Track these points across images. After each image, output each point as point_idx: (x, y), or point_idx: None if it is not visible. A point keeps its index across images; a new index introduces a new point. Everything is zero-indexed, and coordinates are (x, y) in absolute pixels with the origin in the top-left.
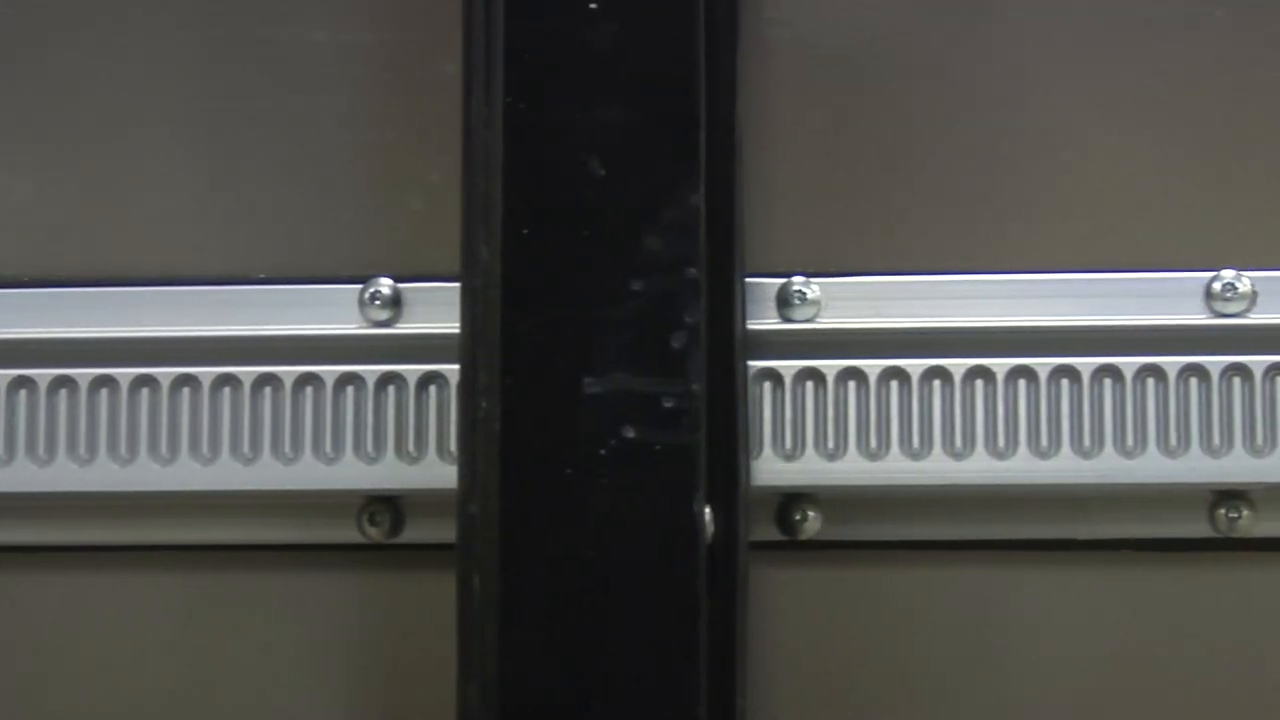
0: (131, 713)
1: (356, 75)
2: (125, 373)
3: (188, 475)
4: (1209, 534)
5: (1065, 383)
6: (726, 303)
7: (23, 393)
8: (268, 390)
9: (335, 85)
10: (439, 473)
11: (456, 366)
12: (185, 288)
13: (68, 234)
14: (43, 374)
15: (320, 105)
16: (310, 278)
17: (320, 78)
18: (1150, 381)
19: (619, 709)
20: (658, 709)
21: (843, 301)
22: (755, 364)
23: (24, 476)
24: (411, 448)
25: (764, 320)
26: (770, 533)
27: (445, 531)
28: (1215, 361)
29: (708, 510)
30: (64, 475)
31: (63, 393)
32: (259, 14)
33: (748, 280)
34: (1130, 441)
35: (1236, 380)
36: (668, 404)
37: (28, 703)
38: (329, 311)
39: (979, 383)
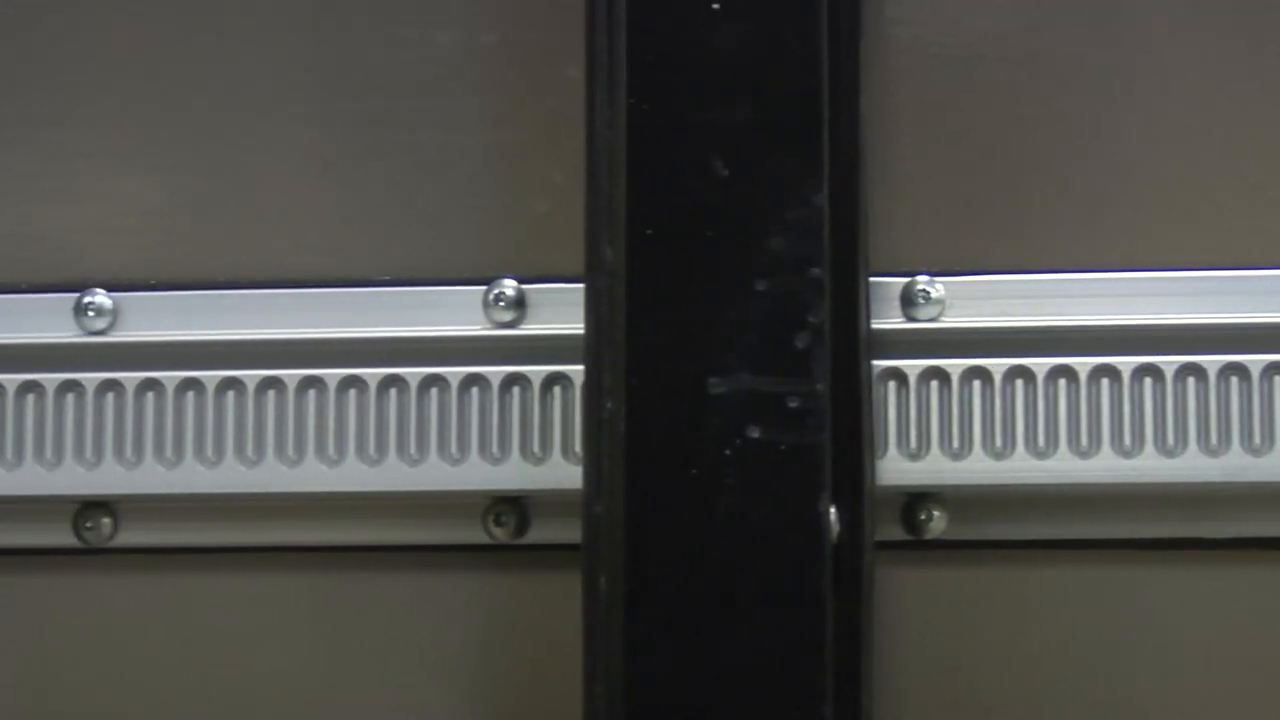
0: (263, 711)
1: (480, 77)
2: (252, 375)
3: (314, 477)
4: None
5: (1191, 381)
6: (850, 302)
7: (150, 395)
8: (393, 392)
9: (459, 87)
10: (564, 473)
11: (581, 367)
12: (311, 290)
13: (196, 237)
14: (170, 376)
15: (445, 107)
16: (435, 279)
17: (445, 79)
18: (1278, 379)
19: (745, 709)
20: (783, 709)
21: (967, 300)
22: (879, 363)
23: (151, 478)
24: (536, 448)
25: (888, 319)
26: (895, 532)
27: (570, 532)
28: None
29: (833, 510)
30: (192, 477)
31: (190, 395)
32: (385, 16)
33: (872, 279)
34: (1257, 439)
35: None
36: (792, 404)
37: (167, 700)
38: (454, 313)
39: (1104, 381)
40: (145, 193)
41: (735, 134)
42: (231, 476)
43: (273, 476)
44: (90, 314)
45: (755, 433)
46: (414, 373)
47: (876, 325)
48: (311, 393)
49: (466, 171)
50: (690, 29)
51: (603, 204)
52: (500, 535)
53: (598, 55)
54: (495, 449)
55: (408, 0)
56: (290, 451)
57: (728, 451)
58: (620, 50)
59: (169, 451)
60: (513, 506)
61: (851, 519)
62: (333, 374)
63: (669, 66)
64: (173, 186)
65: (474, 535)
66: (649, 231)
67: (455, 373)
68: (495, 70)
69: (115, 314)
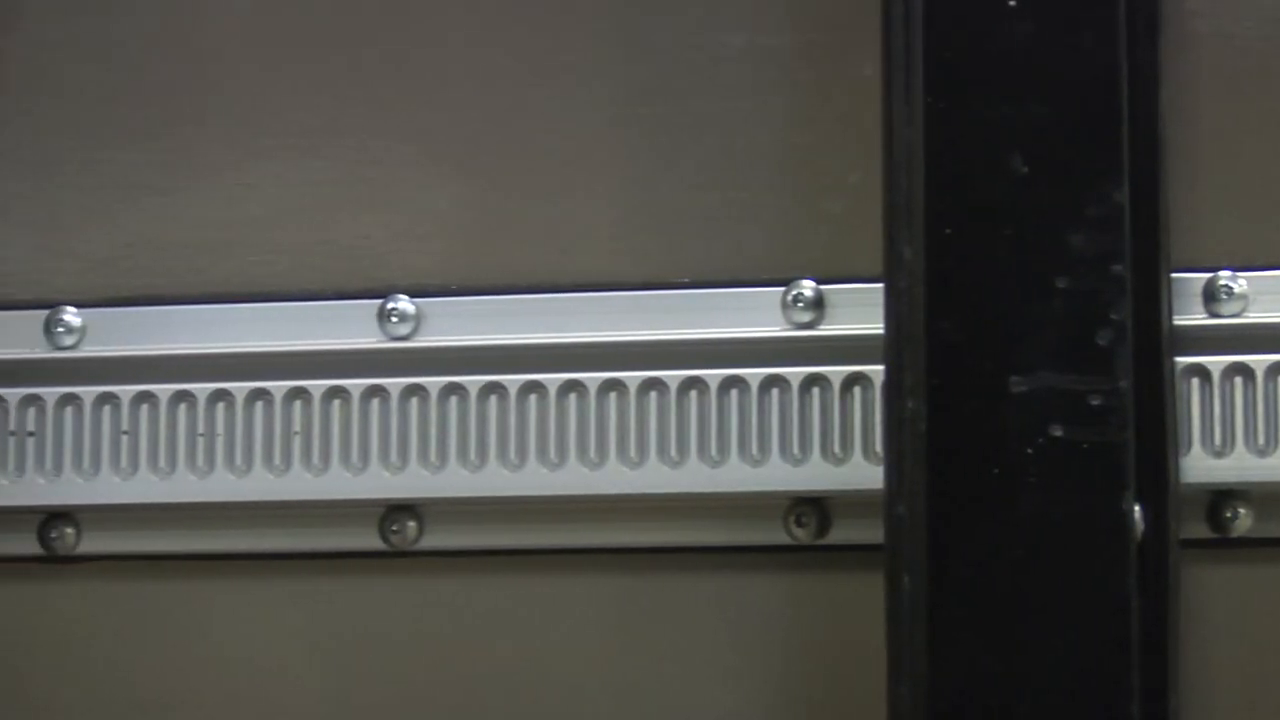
0: (569, 711)
1: (775, 78)
2: (553, 379)
3: (616, 479)
4: None
5: None
6: (1152, 298)
7: (454, 400)
8: (693, 394)
9: (754, 89)
10: (865, 474)
11: (880, 367)
12: (610, 294)
13: (497, 243)
14: (473, 380)
15: (739, 109)
16: (732, 281)
17: (739, 81)
18: None
19: (1051, 708)
20: (1090, 709)
21: (1271, 295)
22: (1182, 360)
23: (456, 482)
24: (837, 449)
25: (1190, 315)
26: (1200, 530)
27: (872, 532)
28: None
29: (1137, 508)
30: (494, 480)
31: (492, 399)
32: (679, 21)
33: (1173, 275)
34: None
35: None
36: (1095, 402)
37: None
38: (752, 315)
39: None
40: (445, 199)
41: (1033, 131)
42: (534, 480)
43: (575, 479)
44: (394, 320)
45: (1058, 431)
46: (714, 375)
47: (1178, 321)
48: (612, 395)
49: (763, 173)
50: (987, 26)
51: (901, 203)
52: (801, 536)
53: (894, 54)
54: (796, 450)
55: (701, 5)
56: (592, 454)
57: (1030, 450)
58: (917, 48)
59: (473, 455)
60: (813, 507)
61: (1156, 517)
62: (633, 376)
63: (966, 64)
64: (473, 192)
65: (775, 536)
66: (948, 230)
67: (755, 374)
68: (790, 70)
69: (418, 319)
